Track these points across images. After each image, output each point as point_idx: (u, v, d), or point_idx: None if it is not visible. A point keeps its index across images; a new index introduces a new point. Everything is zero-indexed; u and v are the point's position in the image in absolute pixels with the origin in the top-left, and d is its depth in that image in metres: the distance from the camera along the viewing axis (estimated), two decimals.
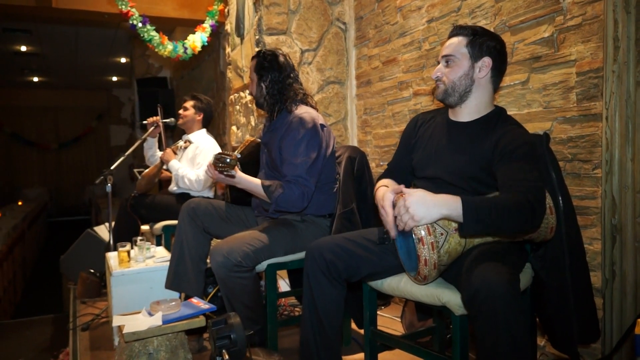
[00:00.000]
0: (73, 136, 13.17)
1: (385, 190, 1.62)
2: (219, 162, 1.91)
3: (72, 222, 11.37)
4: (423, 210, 1.38)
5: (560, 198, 1.62)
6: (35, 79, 11.56)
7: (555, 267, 1.64)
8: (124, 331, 1.69)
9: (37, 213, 9.18)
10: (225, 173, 1.98)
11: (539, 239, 1.59)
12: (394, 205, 1.53)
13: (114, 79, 11.56)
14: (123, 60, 9.52)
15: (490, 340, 1.26)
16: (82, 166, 13.21)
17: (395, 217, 1.49)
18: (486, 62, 1.64)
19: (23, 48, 8.58)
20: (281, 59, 2.24)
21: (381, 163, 3.06)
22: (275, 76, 2.21)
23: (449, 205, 1.37)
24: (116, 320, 1.82)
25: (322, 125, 2.19)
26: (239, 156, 2.01)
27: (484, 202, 1.37)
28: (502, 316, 1.23)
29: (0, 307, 4.88)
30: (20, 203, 9.66)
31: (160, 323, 1.75)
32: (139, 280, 2.38)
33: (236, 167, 2.02)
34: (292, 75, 2.25)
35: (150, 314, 1.83)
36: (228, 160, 1.90)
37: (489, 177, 1.59)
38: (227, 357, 1.44)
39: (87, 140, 13.34)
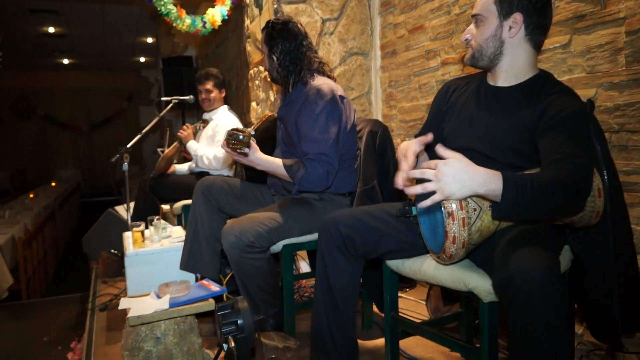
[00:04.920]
0: (104, 117, 13.35)
1: (408, 142, 1.48)
2: (231, 139, 1.76)
3: (104, 202, 11.55)
4: (456, 186, 1.17)
5: (605, 173, 1.44)
6: (66, 61, 11.70)
7: (598, 250, 1.46)
8: (129, 315, 1.61)
9: (69, 193, 9.34)
10: (238, 150, 1.83)
11: (581, 224, 1.40)
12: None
13: (142, 59, 11.60)
14: (150, 40, 9.49)
15: (524, 330, 1.11)
16: (113, 147, 13.32)
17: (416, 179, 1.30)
18: (517, 19, 1.45)
19: (51, 29, 8.64)
20: (292, 26, 2.08)
21: (407, 139, 2.89)
22: (286, 46, 2.06)
23: (488, 185, 1.16)
24: (123, 303, 1.74)
25: (342, 97, 2.04)
26: (252, 132, 1.85)
27: (526, 183, 1.16)
28: (539, 305, 1.08)
29: (31, 286, 4.95)
30: (53, 184, 9.85)
31: (166, 306, 1.66)
32: (154, 261, 2.31)
33: (252, 143, 1.87)
34: (304, 43, 2.09)
35: (159, 297, 1.74)
36: (241, 137, 1.75)
37: (531, 149, 1.41)
38: (233, 344, 1.34)
39: (118, 122, 13.50)
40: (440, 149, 1.23)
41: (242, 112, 5.42)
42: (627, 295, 1.47)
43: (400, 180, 1.42)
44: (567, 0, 1.83)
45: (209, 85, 3.33)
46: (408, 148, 1.45)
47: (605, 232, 1.45)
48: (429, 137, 1.44)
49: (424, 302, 2.39)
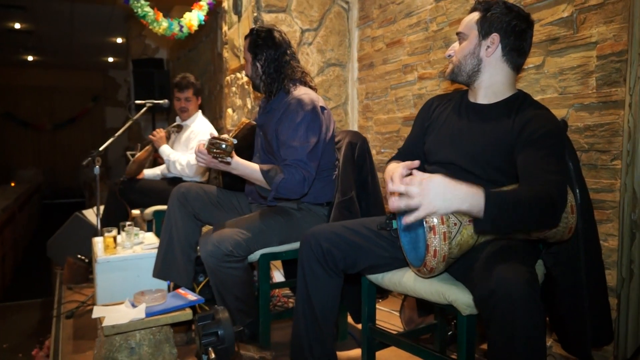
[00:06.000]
0: (68, 117, 12.97)
1: (396, 165, 1.51)
2: (213, 148, 1.74)
3: (67, 204, 11.20)
4: (439, 202, 1.17)
5: (577, 191, 1.50)
6: (31, 58, 11.33)
7: (569, 265, 1.52)
8: (104, 324, 1.57)
9: (30, 194, 9.01)
10: (219, 159, 1.81)
11: (555, 239, 1.46)
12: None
13: (110, 59, 11.34)
14: (119, 40, 9.30)
15: (505, 343, 1.15)
16: (77, 148, 13.00)
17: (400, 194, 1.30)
18: (494, 39, 1.51)
19: (17, 25, 8.35)
20: (276, 35, 2.09)
21: (382, 150, 2.93)
22: (270, 54, 2.07)
23: (470, 201, 1.18)
24: (96, 312, 1.70)
25: (322, 108, 2.06)
26: (235, 141, 1.84)
27: (506, 199, 1.20)
28: (519, 319, 1.11)
29: None
30: (13, 184, 9.49)
31: (143, 316, 1.63)
32: (126, 267, 2.26)
33: (232, 152, 1.86)
34: (288, 52, 2.11)
35: (134, 305, 1.71)
36: (224, 146, 1.73)
37: (508, 164, 1.46)
38: (213, 355, 1.32)
39: (83, 122, 13.12)
40: (416, 173, 1.23)
41: (214, 117, 5.38)
42: (596, 309, 1.53)
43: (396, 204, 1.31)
44: (541, 23, 1.90)
45: (189, 94, 3.28)
46: (395, 171, 1.43)
47: (577, 247, 1.51)
48: (415, 163, 1.45)
49: (396, 313, 2.41)
